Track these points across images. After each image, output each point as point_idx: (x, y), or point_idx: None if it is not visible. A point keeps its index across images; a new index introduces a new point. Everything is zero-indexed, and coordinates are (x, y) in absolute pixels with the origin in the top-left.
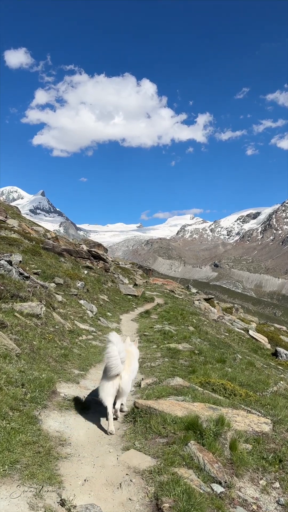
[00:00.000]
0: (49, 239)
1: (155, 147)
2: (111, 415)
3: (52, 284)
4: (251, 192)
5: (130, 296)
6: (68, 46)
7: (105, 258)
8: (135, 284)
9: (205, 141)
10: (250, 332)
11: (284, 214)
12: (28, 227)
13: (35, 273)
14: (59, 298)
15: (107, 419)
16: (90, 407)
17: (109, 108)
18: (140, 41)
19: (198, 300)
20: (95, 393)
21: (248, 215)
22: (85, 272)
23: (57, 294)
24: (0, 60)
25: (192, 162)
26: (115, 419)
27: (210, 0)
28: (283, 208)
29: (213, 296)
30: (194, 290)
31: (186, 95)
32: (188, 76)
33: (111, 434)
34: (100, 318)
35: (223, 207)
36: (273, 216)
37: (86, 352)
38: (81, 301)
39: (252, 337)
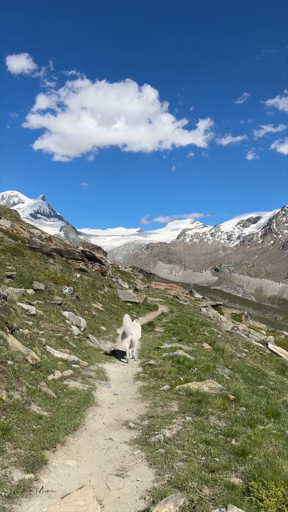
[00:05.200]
0: (41, 238)
1: (156, 152)
2: (129, 354)
3: (30, 291)
4: (251, 197)
5: (130, 304)
6: (70, 52)
7: (101, 259)
8: (136, 289)
9: (206, 146)
10: (270, 345)
11: (284, 219)
12: (23, 229)
13: (8, 276)
14: (32, 310)
15: (126, 357)
16: None
17: (111, 114)
18: (142, 46)
19: (205, 307)
20: None
21: (248, 220)
22: (78, 275)
23: (30, 304)
24: (2, 66)
25: (193, 167)
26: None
27: (211, 6)
28: (283, 212)
29: (221, 303)
30: (198, 296)
31: (187, 100)
32: (189, 81)
33: (127, 361)
34: (90, 335)
35: (224, 211)
36: (273, 220)
37: (55, 407)
38: (65, 313)
39: (272, 351)
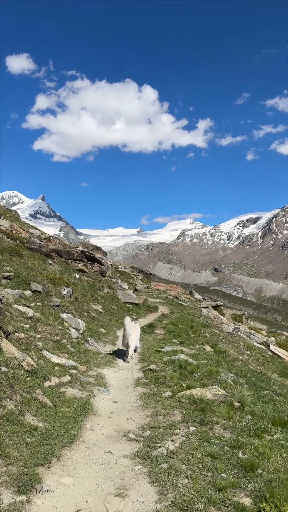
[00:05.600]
0: (40, 239)
1: (155, 153)
2: (129, 354)
3: (27, 292)
4: (251, 197)
5: (129, 305)
6: (70, 52)
7: (101, 260)
8: (136, 290)
9: (206, 146)
10: (271, 347)
11: (284, 219)
12: (22, 229)
13: (5, 278)
14: (29, 312)
15: (126, 357)
16: None
17: (111, 114)
18: (141, 46)
19: (205, 307)
20: None
21: (248, 220)
22: (77, 276)
23: (27, 306)
24: (2, 66)
25: (193, 167)
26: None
27: (211, 5)
28: (283, 212)
29: (221, 303)
30: (198, 296)
31: (187, 100)
32: (189, 81)
33: (127, 361)
34: (89, 338)
35: (223, 211)
36: (273, 220)
37: (51, 417)
38: (64, 315)
39: (274, 353)
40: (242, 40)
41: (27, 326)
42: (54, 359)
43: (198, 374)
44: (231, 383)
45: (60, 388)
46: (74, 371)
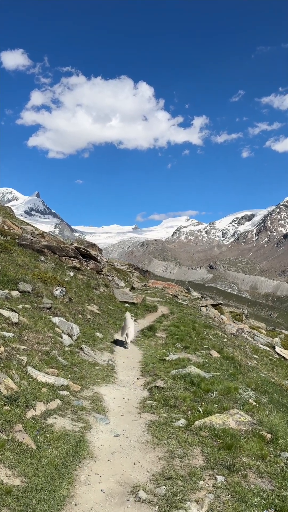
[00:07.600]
0: (33, 235)
1: (151, 150)
2: (128, 342)
3: (15, 293)
4: (246, 194)
5: (127, 305)
6: (66, 48)
7: (97, 257)
8: (132, 288)
9: (201, 144)
10: (277, 349)
11: (278, 216)
12: (16, 225)
13: None
14: (14, 318)
15: (125, 344)
16: None
17: (106, 111)
18: (137, 43)
19: (205, 306)
20: None
21: (243, 217)
22: (71, 274)
23: (12, 310)
24: None
25: (188, 164)
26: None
27: (207, 4)
28: (278, 210)
29: (221, 302)
30: (196, 294)
31: (182, 97)
32: (184, 78)
33: (127, 348)
34: (83, 346)
35: (219, 209)
36: (268, 218)
37: (33, 466)
38: (55, 319)
39: (280, 356)
40: (238, 37)
41: (10, 335)
42: (41, 377)
43: (215, 393)
44: (254, 403)
45: (47, 419)
46: (65, 393)
